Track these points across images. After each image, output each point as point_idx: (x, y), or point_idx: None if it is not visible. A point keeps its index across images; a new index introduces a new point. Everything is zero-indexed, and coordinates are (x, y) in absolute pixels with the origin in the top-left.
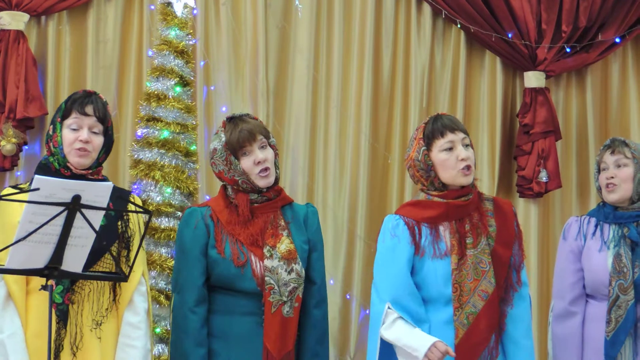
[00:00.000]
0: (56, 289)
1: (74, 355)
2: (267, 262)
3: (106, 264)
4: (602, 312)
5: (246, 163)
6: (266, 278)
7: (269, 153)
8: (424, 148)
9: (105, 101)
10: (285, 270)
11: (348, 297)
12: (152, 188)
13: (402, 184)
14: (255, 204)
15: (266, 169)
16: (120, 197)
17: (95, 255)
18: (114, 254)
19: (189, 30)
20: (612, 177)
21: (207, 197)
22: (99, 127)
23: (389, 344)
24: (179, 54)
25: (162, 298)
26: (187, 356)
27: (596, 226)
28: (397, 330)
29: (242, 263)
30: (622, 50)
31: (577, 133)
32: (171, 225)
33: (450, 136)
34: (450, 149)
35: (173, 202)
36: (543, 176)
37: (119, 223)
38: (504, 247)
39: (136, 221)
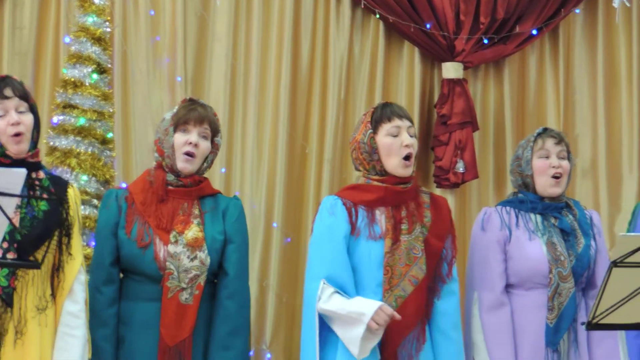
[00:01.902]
0: (1, 272)
1: (16, 340)
2: (171, 248)
3: (50, 252)
4: (534, 301)
5: (179, 139)
6: (167, 263)
7: (205, 144)
8: (370, 131)
9: (21, 81)
10: (188, 257)
11: (264, 284)
12: (68, 176)
13: (319, 174)
14: (170, 187)
15: (192, 155)
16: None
17: (37, 241)
18: (56, 240)
19: (107, 17)
20: (559, 167)
21: (124, 185)
22: (24, 106)
23: (324, 322)
24: (96, 41)
25: None
26: (92, 335)
27: (517, 216)
28: (337, 301)
29: (145, 244)
30: (540, 43)
31: (495, 124)
32: (87, 213)
33: (397, 122)
34: (396, 135)
35: (89, 190)
36: (460, 167)
37: (61, 210)
38: (436, 238)
39: (75, 209)
